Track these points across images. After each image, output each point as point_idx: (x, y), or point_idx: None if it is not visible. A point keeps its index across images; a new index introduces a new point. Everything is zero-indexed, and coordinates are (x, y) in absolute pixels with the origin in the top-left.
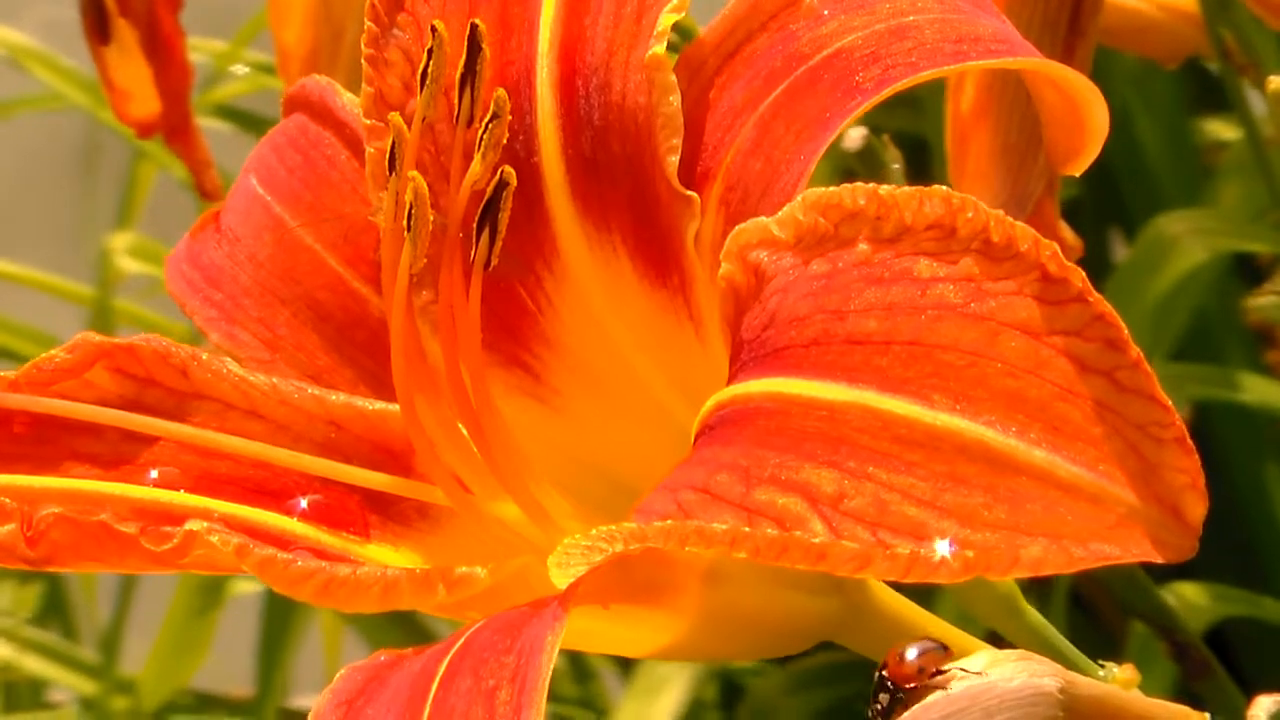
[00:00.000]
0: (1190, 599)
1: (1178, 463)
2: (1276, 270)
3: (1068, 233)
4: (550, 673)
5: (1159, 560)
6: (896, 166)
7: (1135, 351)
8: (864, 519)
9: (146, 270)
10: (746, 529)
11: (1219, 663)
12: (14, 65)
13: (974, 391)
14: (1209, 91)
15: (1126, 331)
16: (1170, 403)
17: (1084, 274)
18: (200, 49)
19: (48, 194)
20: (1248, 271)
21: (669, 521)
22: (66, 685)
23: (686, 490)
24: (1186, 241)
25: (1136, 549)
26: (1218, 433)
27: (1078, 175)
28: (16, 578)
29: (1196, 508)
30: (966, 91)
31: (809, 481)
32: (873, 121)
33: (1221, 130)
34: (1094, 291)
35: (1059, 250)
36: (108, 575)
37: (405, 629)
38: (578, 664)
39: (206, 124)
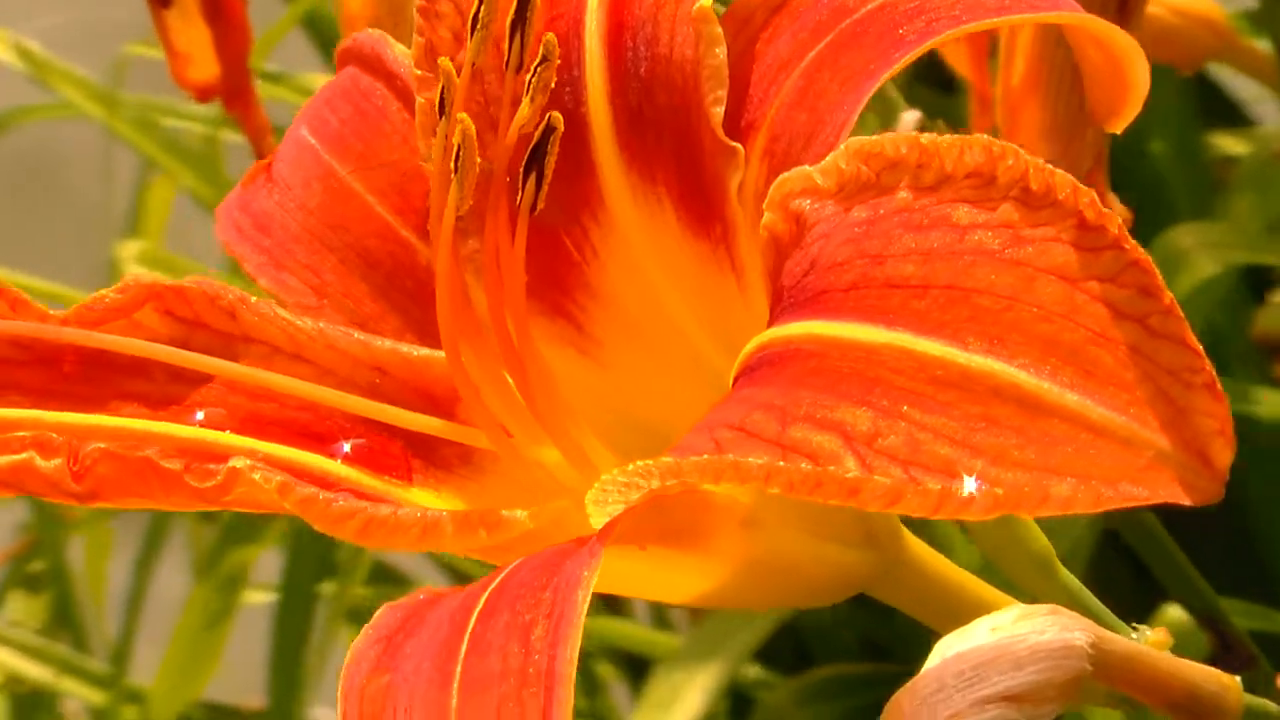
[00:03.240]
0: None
1: (1207, 408)
2: None
3: (1118, 205)
4: (586, 608)
5: (1187, 503)
6: None
7: (1168, 297)
8: (897, 457)
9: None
10: (781, 463)
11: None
12: (26, 74)
13: (1009, 335)
14: (1218, 105)
15: (1160, 278)
16: (1202, 349)
17: (1120, 221)
18: None
19: (57, 202)
20: (1260, 287)
21: (705, 456)
22: (77, 696)
23: (723, 428)
24: (1196, 255)
25: (1165, 491)
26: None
27: (1119, 133)
28: (27, 588)
29: (1224, 453)
30: (1017, 65)
31: (844, 420)
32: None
33: (1231, 145)
34: (1129, 239)
35: (1096, 198)
36: (117, 585)
37: None
38: (588, 677)
39: (221, 134)
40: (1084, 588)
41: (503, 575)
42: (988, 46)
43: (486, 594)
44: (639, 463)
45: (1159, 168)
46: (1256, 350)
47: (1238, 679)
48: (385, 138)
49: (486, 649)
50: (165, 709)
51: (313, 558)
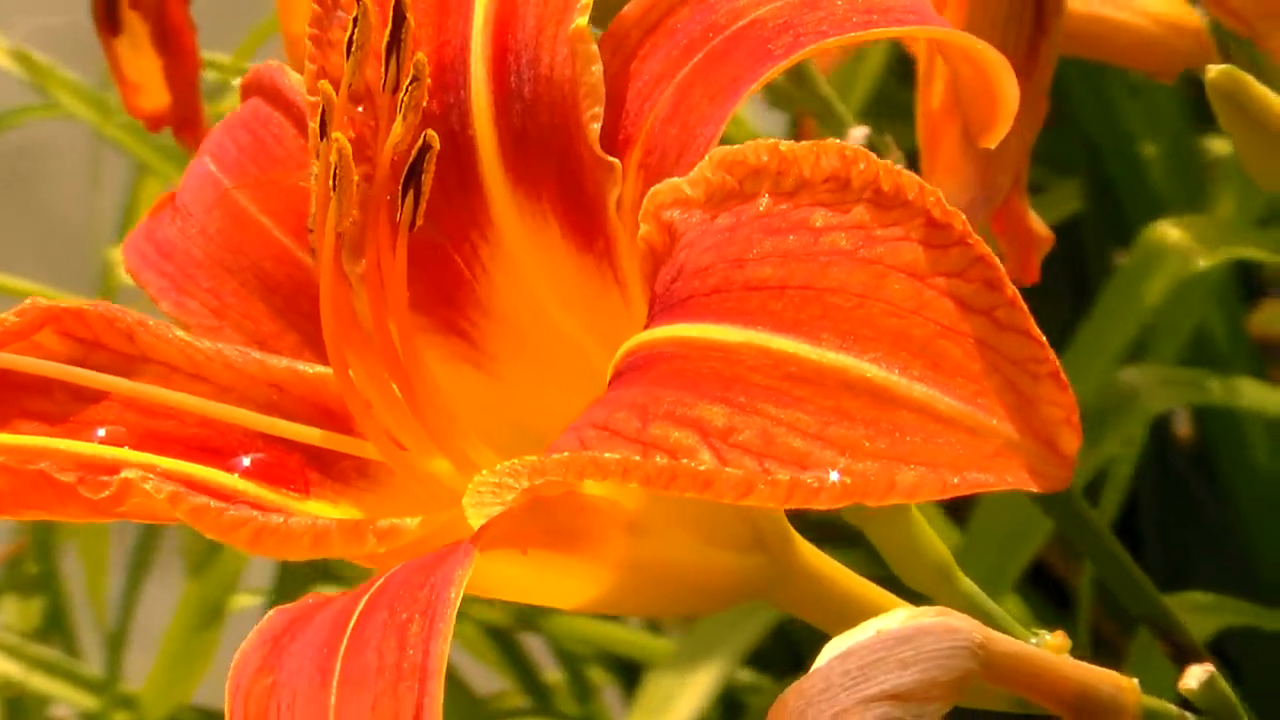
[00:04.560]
0: (1194, 608)
1: (1053, 397)
2: None
3: (1038, 224)
4: (458, 604)
5: (1034, 489)
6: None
7: (1012, 291)
8: (751, 450)
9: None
10: (637, 458)
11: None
12: (17, 76)
13: (860, 330)
14: (1209, 107)
15: (1004, 272)
16: (1045, 339)
17: (964, 218)
18: (204, 63)
19: (50, 206)
20: (1251, 283)
21: (566, 454)
22: (69, 701)
23: (589, 428)
24: (1185, 250)
25: (1013, 478)
26: (1219, 447)
27: (992, 148)
28: (19, 593)
29: (1071, 441)
30: (935, 89)
31: (701, 417)
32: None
33: (1224, 148)
34: (974, 234)
35: (941, 196)
36: (112, 592)
37: None
38: (579, 681)
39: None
40: (983, 594)
41: (384, 578)
42: None
43: (368, 596)
44: (507, 463)
45: (1151, 171)
46: (1249, 347)
47: (1135, 681)
48: (281, 164)
49: (364, 647)
50: (156, 712)
51: (304, 562)
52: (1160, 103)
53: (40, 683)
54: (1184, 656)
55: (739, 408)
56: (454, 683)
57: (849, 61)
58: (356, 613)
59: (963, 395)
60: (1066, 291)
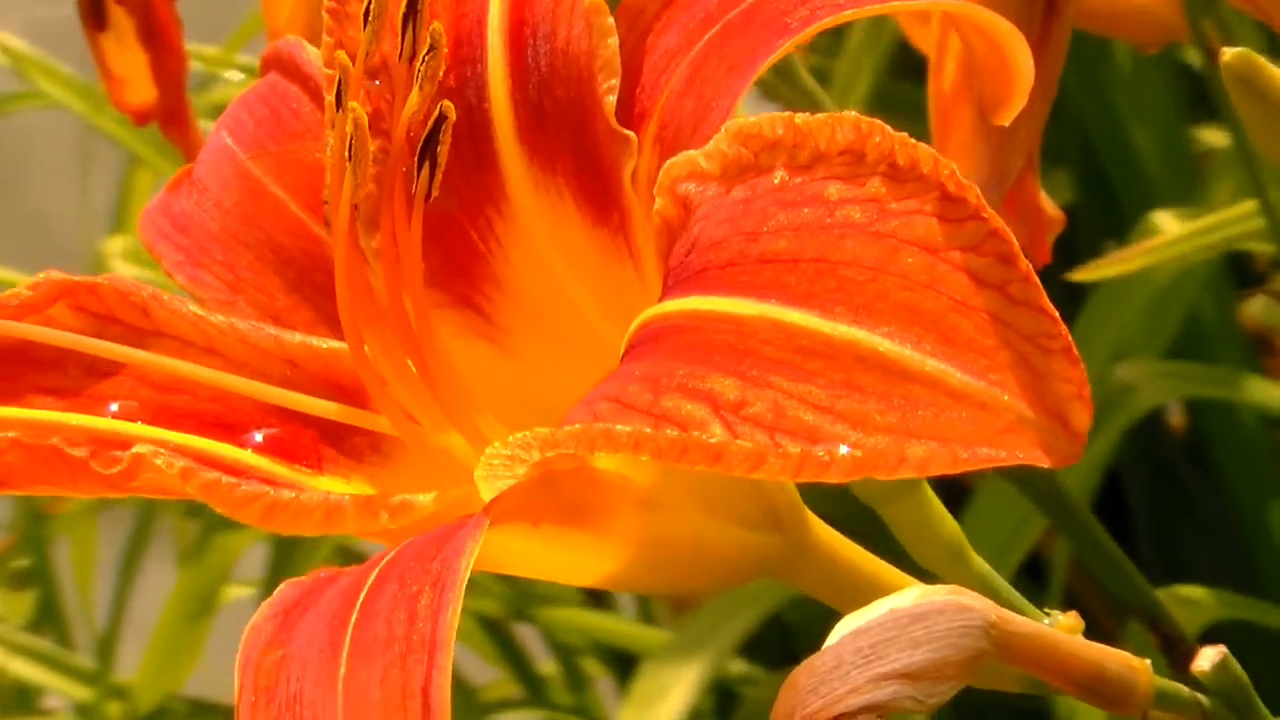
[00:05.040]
0: (1187, 600)
1: (1065, 372)
2: (1273, 274)
3: (1049, 205)
4: (468, 575)
5: (1046, 464)
6: None
7: (1026, 265)
8: (762, 423)
9: (142, 275)
10: (648, 430)
11: None
12: (9, 70)
13: (873, 304)
14: (1202, 98)
15: (1018, 246)
16: (1058, 315)
17: (979, 192)
18: (192, 55)
19: (43, 198)
20: (1244, 274)
21: (578, 425)
22: (60, 691)
23: (601, 401)
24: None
25: (1023, 453)
26: (1212, 438)
27: (1006, 124)
28: (11, 584)
29: (1082, 416)
30: (947, 70)
31: (713, 389)
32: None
33: (1216, 138)
34: (988, 209)
35: (956, 170)
36: (103, 582)
37: None
38: (573, 673)
39: (203, 125)
40: (995, 573)
41: (395, 551)
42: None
43: (379, 568)
44: (518, 435)
45: (1144, 160)
46: (1242, 337)
47: (1147, 662)
48: (298, 137)
49: (374, 618)
50: (147, 703)
51: (297, 552)
52: (1154, 93)
53: (31, 673)
54: (1173, 647)
55: (751, 380)
56: None
57: (850, 58)
58: (367, 585)
59: (975, 370)
60: (1059, 282)
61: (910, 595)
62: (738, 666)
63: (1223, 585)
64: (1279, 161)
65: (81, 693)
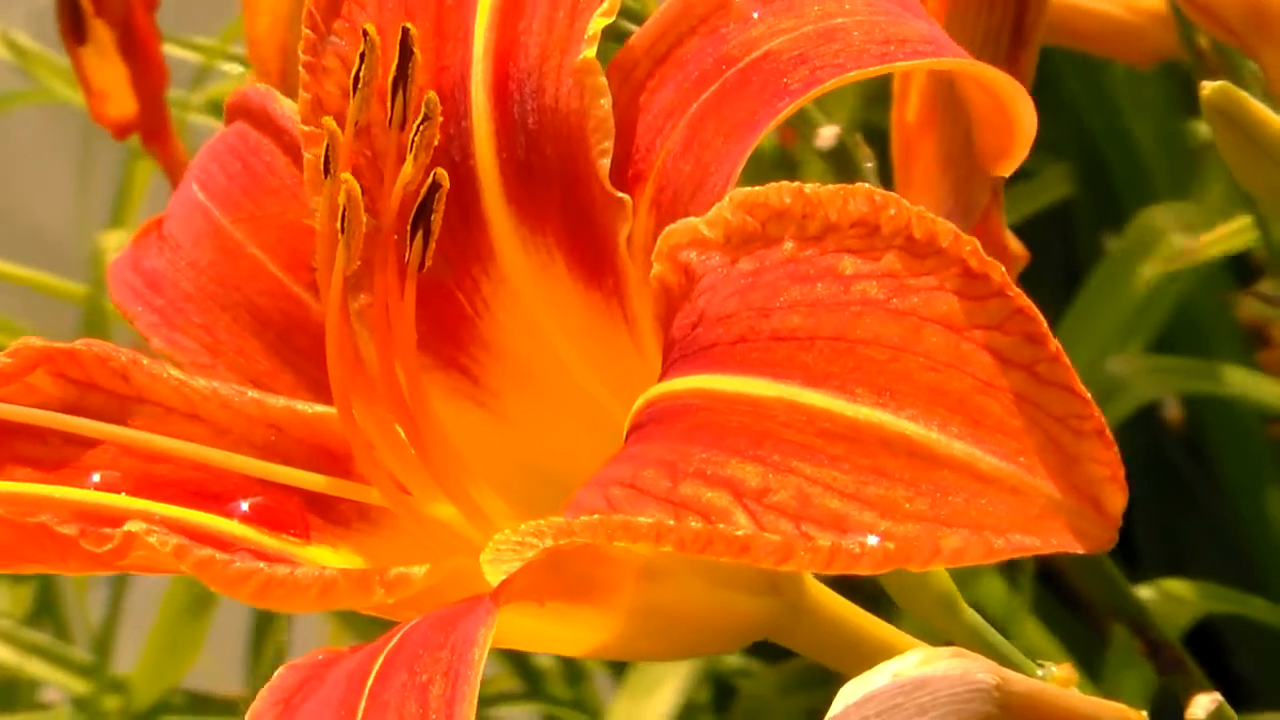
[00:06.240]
0: (1175, 595)
1: (1097, 454)
2: (1268, 270)
3: (1014, 242)
4: (483, 666)
5: (1080, 551)
6: (870, 165)
7: (1055, 344)
8: (787, 512)
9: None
10: (671, 522)
11: (1197, 662)
12: (8, 63)
13: (896, 385)
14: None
15: (1045, 325)
16: (1089, 395)
17: (1003, 269)
18: (189, 46)
19: (41, 192)
20: (1240, 267)
21: (596, 516)
22: (58, 685)
23: (615, 486)
24: (1173, 235)
25: (1057, 540)
26: (1210, 432)
27: (1006, 176)
28: (8, 578)
29: (1116, 499)
30: (911, 101)
31: (734, 476)
32: (863, 116)
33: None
34: (1013, 285)
35: (978, 245)
36: (101, 575)
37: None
38: (570, 666)
39: (200, 121)
40: (988, 625)
41: (400, 635)
42: None
43: (384, 654)
44: (532, 523)
45: (1142, 154)
46: (1238, 332)
47: (1144, 713)
48: (274, 194)
49: (384, 708)
50: (145, 697)
51: None
52: (1152, 87)
53: (29, 667)
54: (1158, 652)
55: (773, 466)
56: None
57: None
58: (374, 672)
59: (1004, 453)
60: (1057, 275)
61: (912, 659)
62: (734, 659)
63: (1222, 579)
64: (1258, 191)
65: (79, 686)
